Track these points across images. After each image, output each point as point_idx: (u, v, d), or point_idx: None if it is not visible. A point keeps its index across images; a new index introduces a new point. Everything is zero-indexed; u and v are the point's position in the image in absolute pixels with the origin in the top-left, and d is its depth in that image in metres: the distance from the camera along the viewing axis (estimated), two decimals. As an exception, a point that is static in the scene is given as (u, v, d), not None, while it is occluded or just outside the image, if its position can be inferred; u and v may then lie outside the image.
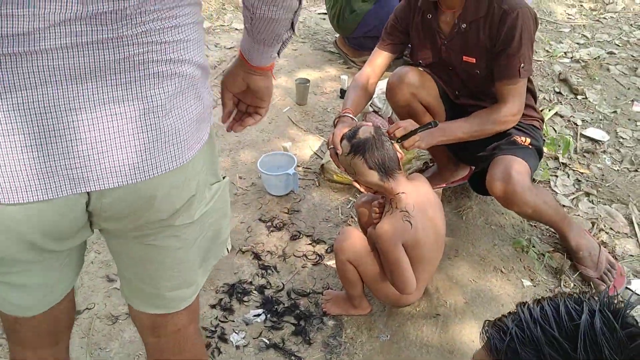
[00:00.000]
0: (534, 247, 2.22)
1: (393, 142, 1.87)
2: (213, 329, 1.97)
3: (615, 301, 0.77)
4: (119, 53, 0.81)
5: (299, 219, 2.47)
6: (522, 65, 1.91)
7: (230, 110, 1.27)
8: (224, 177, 1.13)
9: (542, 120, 2.25)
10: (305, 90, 3.21)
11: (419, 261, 1.83)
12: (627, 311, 0.76)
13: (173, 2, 0.86)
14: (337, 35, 3.73)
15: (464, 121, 2.01)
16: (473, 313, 1.94)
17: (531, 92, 2.18)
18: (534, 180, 2.55)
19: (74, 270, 1.08)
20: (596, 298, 0.78)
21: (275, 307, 2.06)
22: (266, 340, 1.93)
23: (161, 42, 0.85)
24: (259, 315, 2.03)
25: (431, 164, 2.59)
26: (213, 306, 2.06)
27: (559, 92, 3.28)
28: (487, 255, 2.19)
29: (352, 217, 2.42)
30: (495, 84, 2.00)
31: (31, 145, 0.79)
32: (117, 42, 0.80)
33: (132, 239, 1.00)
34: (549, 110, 3.06)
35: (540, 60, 3.58)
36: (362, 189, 1.88)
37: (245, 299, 2.09)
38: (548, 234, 2.30)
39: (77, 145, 0.81)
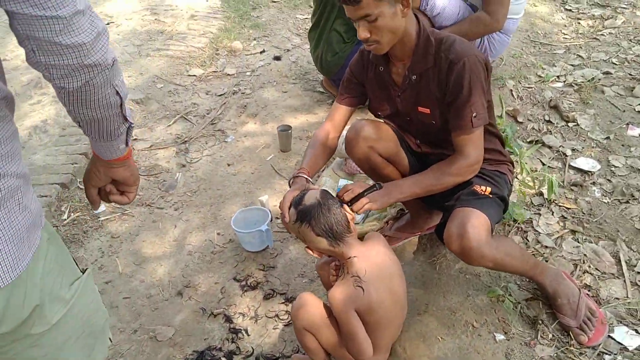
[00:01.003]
0: (510, 295, 2.13)
1: (343, 204, 1.83)
2: (179, 401, 1.96)
3: None
4: None
5: (274, 275, 2.44)
6: (474, 115, 1.86)
7: (96, 202, 1.30)
8: (83, 271, 1.12)
9: (511, 163, 2.17)
10: (288, 137, 3.20)
11: (376, 326, 1.78)
12: None
13: None
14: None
15: (420, 176, 1.95)
16: (438, 376, 1.87)
17: (495, 135, 2.12)
18: (510, 219, 2.47)
19: None
20: None
21: (243, 374, 2.04)
22: (231, 411, 1.91)
23: None
24: (226, 383, 2.01)
25: (405, 212, 2.53)
26: (180, 376, 2.05)
27: (549, 121, 3.18)
28: (458, 308, 2.11)
29: (327, 271, 2.39)
30: (451, 134, 1.95)
31: None
32: None
33: None
34: (534, 143, 2.97)
35: (532, 87, 3.48)
36: (315, 255, 1.84)
37: (214, 366, 2.07)
38: (528, 280, 2.21)
39: None
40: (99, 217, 2.81)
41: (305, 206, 1.78)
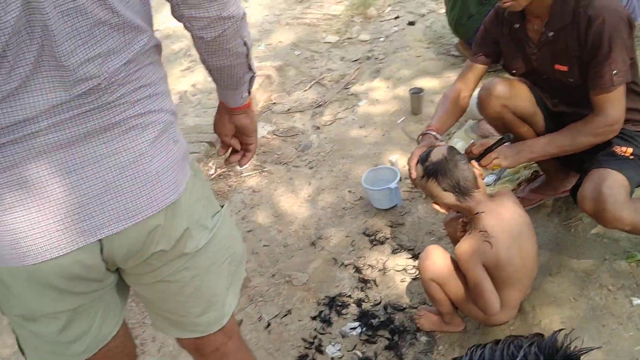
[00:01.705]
0: (651, 262, 2.03)
1: (471, 160, 1.85)
2: (311, 340, 2.11)
3: (556, 346, 0.75)
4: (103, 117, 0.98)
5: (402, 232, 2.52)
6: (615, 72, 1.77)
7: (228, 143, 1.41)
8: (222, 206, 1.26)
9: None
10: (419, 100, 3.23)
11: (504, 282, 1.80)
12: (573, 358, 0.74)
13: (136, 66, 1.02)
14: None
15: (554, 135, 1.91)
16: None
17: (637, 93, 1.99)
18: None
19: (114, 311, 1.23)
20: (538, 344, 0.77)
21: (371, 320, 2.14)
22: (359, 354, 2.03)
23: (134, 100, 1.01)
24: (355, 328, 2.13)
25: (540, 174, 2.47)
26: (313, 318, 2.20)
27: None
28: (594, 271, 2.05)
29: (455, 229, 2.42)
30: (589, 93, 1.87)
31: (52, 207, 0.98)
32: (99, 110, 0.98)
33: (150, 279, 1.15)
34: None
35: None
36: (442, 210, 1.88)
37: (344, 311, 2.20)
38: (672, 247, 2.08)
39: (82, 199, 0.99)
40: (242, 174, 3.05)
41: (431, 162, 1.82)
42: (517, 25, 2.00)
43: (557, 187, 2.37)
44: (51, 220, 0.98)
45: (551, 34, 1.90)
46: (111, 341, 1.24)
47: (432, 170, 1.80)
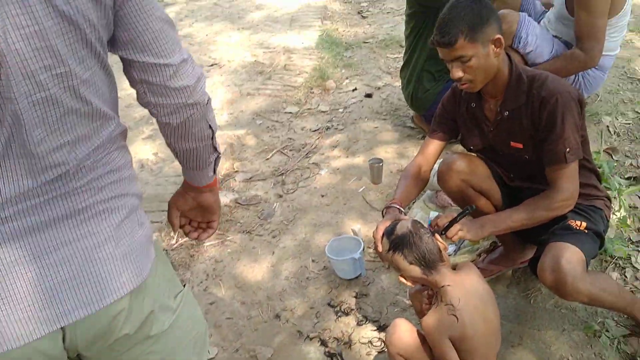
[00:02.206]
0: (607, 331, 2.11)
1: (435, 233, 1.90)
2: (278, 418, 2.07)
3: None
4: (70, 203, 1.00)
5: (367, 303, 2.53)
6: (567, 150, 1.89)
7: (177, 228, 1.45)
8: (184, 285, 1.27)
9: (608, 198, 2.16)
10: (379, 169, 3.31)
11: (470, 354, 1.82)
12: None
13: (104, 152, 1.05)
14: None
15: (514, 210, 1.99)
16: (533, 408, 1.87)
17: (591, 170, 2.12)
18: (607, 255, 2.43)
19: None
20: None
21: (338, 396, 2.12)
22: None
23: (101, 186, 1.04)
24: (321, 404, 2.10)
25: (499, 245, 2.55)
26: (279, 395, 2.16)
27: (649, 156, 3.11)
28: (554, 342, 2.11)
29: (418, 300, 2.44)
30: (545, 169, 1.98)
31: (16, 294, 0.97)
32: (67, 196, 1.00)
33: None
34: (632, 179, 2.91)
35: (629, 124, 3.41)
36: (409, 283, 1.92)
37: (310, 387, 2.17)
38: (625, 316, 2.16)
39: (47, 286, 0.98)
40: (204, 243, 3.03)
41: (397, 236, 1.87)
42: (473, 105, 2.12)
43: (515, 259, 2.45)
44: (15, 308, 0.97)
45: (506, 113, 2.02)
46: None
47: (397, 244, 1.84)
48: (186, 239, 3.05)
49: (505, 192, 2.25)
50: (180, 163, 1.30)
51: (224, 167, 3.66)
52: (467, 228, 1.94)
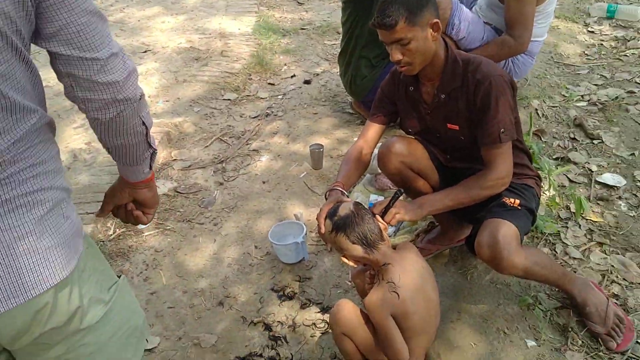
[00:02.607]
0: (540, 304, 2.21)
1: (375, 215, 1.94)
2: (223, 403, 2.06)
3: None
4: None
5: (310, 286, 2.55)
6: (502, 130, 1.96)
7: (106, 214, 1.44)
8: (119, 276, 1.25)
9: (539, 177, 2.26)
10: (319, 155, 3.33)
11: (411, 331, 1.87)
12: None
13: (25, 145, 1.01)
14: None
15: (451, 190, 2.05)
16: (471, 379, 1.95)
17: (523, 151, 2.21)
18: (538, 232, 2.55)
19: None
20: None
21: (283, 378, 2.13)
22: (273, 413, 2.00)
23: (23, 179, 1.00)
24: (267, 387, 2.11)
25: (436, 224, 2.63)
26: (224, 380, 2.15)
27: (574, 138, 3.26)
28: (490, 316, 2.19)
29: (360, 282, 2.48)
30: (480, 150, 2.05)
31: None
32: None
33: (46, 357, 1.10)
34: (560, 160, 3.05)
35: (556, 106, 3.58)
36: (351, 263, 1.95)
37: (256, 371, 2.17)
38: (557, 290, 2.28)
39: None
40: (142, 233, 2.96)
41: (340, 217, 1.89)
42: (411, 88, 2.17)
43: (452, 237, 2.53)
44: None
45: (443, 96, 2.07)
46: None
47: (340, 225, 1.87)
48: (124, 228, 2.97)
49: (443, 173, 2.32)
50: (113, 159, 1.27)
51: (161, 155, 3.59)
52: (404, 210, 1.98)
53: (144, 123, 1.18)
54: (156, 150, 1.30)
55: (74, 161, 3.52)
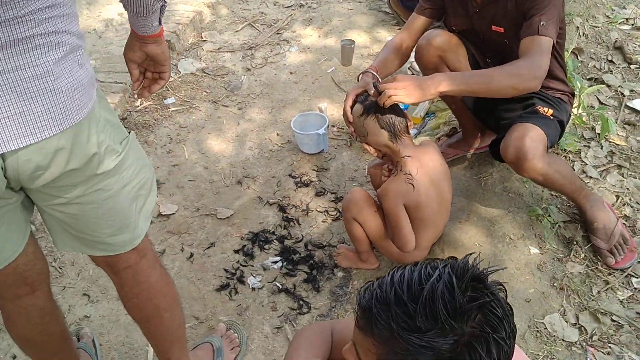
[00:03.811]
0: (549, 216, 2.25)
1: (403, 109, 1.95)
2: (233, 271, 2.18)
3: (470, 268, 0.84)
4: (9, 32, 0.96)
5: (327, 176, 2.61)
6: (542, 22, 1.86)
7: (137, 77, 1.42)
8: (129, 132, 1.29)
9: (572, 95, 2.23)
10: (350, 51, 3.29)
11: (421, 222, 1.94)
12: (481, 277, 0.83)
13: None
14: (391, -5, 3.76)
15: (472, 72, 2.01)
16: (471, 275, 2.03)
17: (562, 66, 2.16)
18: (559, 149, 2.55)
19: (18, 230, 1.22)
20: (451, 265, 0.84)
21: (292, 256, 2.24)
22: (279, 285, 2.12)
23: (42, 18, 1.00)
24: (276, 262, 2.22)
25: (459, 130, 2.63)
26: (236, 251, 2.27)
27: (611, 61, 3.17)
28: (498, 221, 2.25)
29: (376, 177, 2.54)
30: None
31: None
32: (7, 24, 0.96)
33: (63, 200, 1.16)
34: (594, 81, 2.99)
35: (598, 27, 3.44)
36: (371, 151, 1.98)
37: (266, 247, 2.28)
38: (568, 204, 2.31)
39: None
40: (168, 108, 3.01)
41: (372, 101, 1.90)
42: None
43: (472, 144, 2.54)
44: None
45: None
46: (19, 258, 1.24)
47: (373, 107, 1.88)
48: (151, 101, 3.02)
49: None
50: (124, 7, 1.25)
51: (191, 35, 3.57)
52: (404, 92, 1.79)
53: None
54: (166, 3, 1.29)
55: (106, 30, 3.53)
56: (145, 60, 1.39)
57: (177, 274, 2.18)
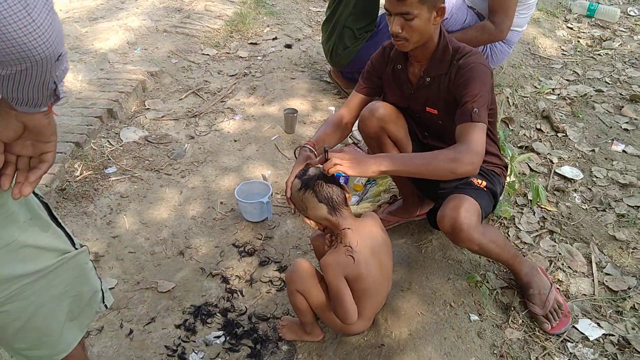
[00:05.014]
0: (487, 282, 2.32)
1: (343, 184, 2.00)
2: (174, 348, 2.12)
3: None
4: None
5: (271, 245, 2.61)
6: (475, 110, 1.98)
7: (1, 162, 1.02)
8: (81, 246, 1.24)
9: (505, 167, 2.34)
10: (293, 120, 3.37)
11: (363, 293, 1.96)
12: None
13: None
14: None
15: (412, 155, 2.09)
16: (414, 345, 2.04)
17: (495, 142, 2.28)
18: (494, 215, 2.65)
19: None
20: None
21: (236, 330, 2.20)
22: (222, 361, 2.07)
23: None
24: (219, 337, 2.17)
25: (399, 198, 2.71)
26: (178, 326, 2.21)
27: (540, 129, 3.37)
28: (439, 289, 2.29)
29: (320, 246, 2.56)
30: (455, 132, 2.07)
31: None
32: None
33: None
34: (524, 148, 3.16)
35: (527, 97, 3.67)
36: (312, 224, 2.01)
37: (209, 320, 2.23)
38: (505, 270, 2.39)
39: None
40: (109, 177, 2.97)
41: (309, 176, 1.95)
42: (399, 66, 2.21)
43: (412, 212, 2.62)
44: None
45: (428, 79, 2.12)
46: None
47: (310, 183, 1.92)
48: (90, 171, 2.98)
49: (419, 148, 2.37)
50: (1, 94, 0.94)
51: (134, 103, 3.57)
52: (348, 164, 1.85)
53: (55, 82, 0.92)
54: (63, 97, 1.00)
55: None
56: (21, 138, 1.00)
57: (116, 352, 2.10)
